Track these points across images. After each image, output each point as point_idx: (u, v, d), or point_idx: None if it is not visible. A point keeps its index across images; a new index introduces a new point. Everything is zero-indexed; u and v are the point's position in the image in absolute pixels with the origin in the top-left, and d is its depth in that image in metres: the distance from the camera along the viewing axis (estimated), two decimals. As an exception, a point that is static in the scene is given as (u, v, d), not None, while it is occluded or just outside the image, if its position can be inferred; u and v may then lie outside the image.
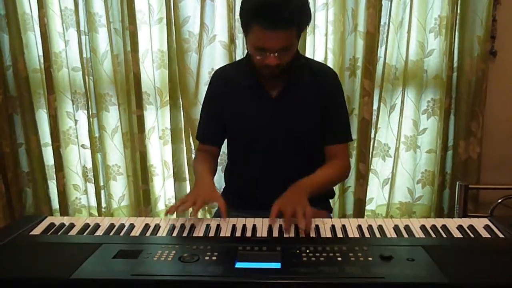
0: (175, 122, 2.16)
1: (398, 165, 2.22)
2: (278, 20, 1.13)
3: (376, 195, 2.28)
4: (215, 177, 2.15)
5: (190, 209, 1.20)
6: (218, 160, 2.12)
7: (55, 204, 2.28)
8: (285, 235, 1.10)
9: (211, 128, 1.47)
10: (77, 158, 2.25)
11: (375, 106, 2.11)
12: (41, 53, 2.07)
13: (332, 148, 1.41)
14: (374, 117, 2.12)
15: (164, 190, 2.30)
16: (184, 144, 2.18)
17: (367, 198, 2.25)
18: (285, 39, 1.18)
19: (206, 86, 1.49)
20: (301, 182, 1.27)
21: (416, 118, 2.17)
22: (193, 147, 2.15)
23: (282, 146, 1.38)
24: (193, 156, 2.16)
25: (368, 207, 2.28)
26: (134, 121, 2.15)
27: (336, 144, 1.41)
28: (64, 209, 2.24)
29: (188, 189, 2.24)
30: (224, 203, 1.22)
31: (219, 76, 1.44)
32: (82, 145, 2.22)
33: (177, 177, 2.22)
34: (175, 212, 1.20)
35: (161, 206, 2.31)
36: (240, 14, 1.24)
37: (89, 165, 2.23)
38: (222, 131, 1.47)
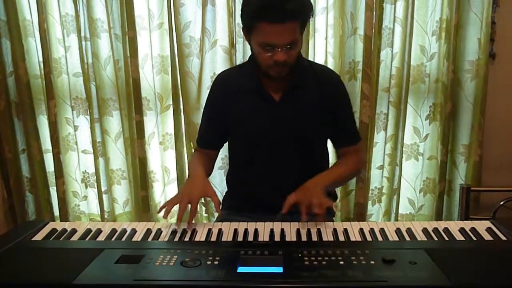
0: (177, 127, 2.16)
1: (401, 174, 2.22)
2: (283, 13, 1.16)
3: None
4: (218, 181, 2.16)
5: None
6: (221, 164, 2.14)
7: (57, 211, 2.28)
8: (287, 239, 1.10)
9: (210, 133, 1.47)
10: (76, 164, 2.24)
11: (378, 110, 2.10)
12: (41, 59, 2.08)
13: (345, 149, 1.47)
14: (380, 122, 2.12)
15: (164, 196, 2.29)
16: (186, 149, 2.18)
17: (383, 209, 2.24)
18: (291, 33, 1.20)
19: (209, 91, 1.50)
20: (317, 177, 1.33)
21: (417, 125, 2.16)
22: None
23: (284, 148, 1.38)
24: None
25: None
26: (134, 126, 2.15)
27: (347, 146, 1.46)
28: (64, 216, 2.24)
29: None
30: (218, 199, 1.23)
31: (221, 80, 1.45)
32: (84, 151, 2.22)
33: (180, 182, 2.21)
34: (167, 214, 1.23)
35: (161, 213, 2.29)
36: (243, 15, 1.25)
37: (91, 170, 2.23)
38: (221, 136, 1.47)
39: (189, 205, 1.21)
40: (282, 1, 1.15)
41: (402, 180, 2.24)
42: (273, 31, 1.18)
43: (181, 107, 2.13)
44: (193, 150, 2.16)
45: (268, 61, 1.24)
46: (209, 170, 1.49)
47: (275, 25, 1.17)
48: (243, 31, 1.30)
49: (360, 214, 2.18)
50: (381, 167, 2.18)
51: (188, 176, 1.40)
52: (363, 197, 2.17)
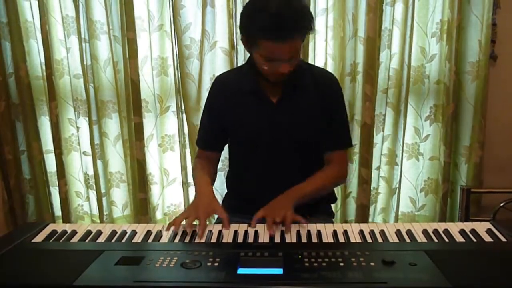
0: (181, 128, 2.16)
1: (402, 173, 2.21)
2: (287, 33, 1.16)
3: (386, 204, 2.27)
4: (218, 183, 2.16)
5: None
6: (221, 166, 2.14)
7: (58, 211, 2.28)
8: (287, 241, 1.10)
9: (210, 135, 1.47)
10: (79, 165, 2.25)
11: (377, 111, 2.10)
12: (43, 60, 2.08)
13: (330, 154, 1.43)
14: (380, 123, 2.12)
15: (162, 199, 2.28)
16: (187, 150, 2.18)
17: (378, 208, 2.24)
18: (294, 48, 1.21)
19: (207, 92, 1.50)
20: (289, 190, 1.31)
21: (418, 125, 2.16)
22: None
23: (283, 150, 1.39)
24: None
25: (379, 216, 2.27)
26: (132, 128, 2.14)
27: (333, 150, 1.42)
28: (66, 216, 2.24)
29: (192, 194, 2.23)
30: (226, 215, 1.22)
31: (219, 83, 1.45)
32: (84, 152, 2.22)
33: (184, 182, 2.21)
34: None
35: (159, 215, 2.29)
36: (244, 30, 1.24)
37: (91, 172, 2.23)
38: (222, 137, 1.48)
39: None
40: (285, 22, 1.14)
41: (404, 179, 2.23)
42: (276, 48, 1.18)
43: (182, 108, 2.13)
44: (196, 150, 2.16)
45: (270, 72, 1.26)
46: (214, 178, 1.50)
47: (278, 43, 1.17)
48: (242, 38, 1.29)
49: (363, 215, 2.18)
50: (379, 168, 2.18)
51: (195, 193, 1.40)
52: (366, 198, 2.17)
